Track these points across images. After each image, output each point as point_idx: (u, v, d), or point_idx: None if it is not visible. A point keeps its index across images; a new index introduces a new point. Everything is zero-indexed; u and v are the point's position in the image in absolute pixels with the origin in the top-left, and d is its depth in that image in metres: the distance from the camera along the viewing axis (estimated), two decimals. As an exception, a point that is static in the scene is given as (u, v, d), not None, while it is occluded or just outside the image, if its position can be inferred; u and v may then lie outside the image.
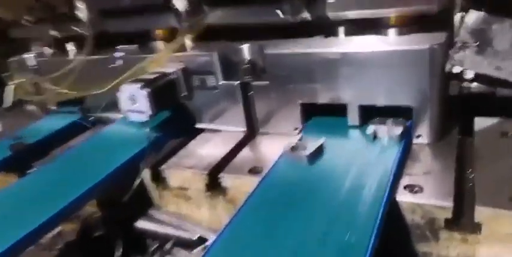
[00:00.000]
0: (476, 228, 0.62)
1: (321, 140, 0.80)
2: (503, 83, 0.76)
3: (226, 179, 0.82)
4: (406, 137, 0.79)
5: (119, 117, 1.16)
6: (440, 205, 0.63)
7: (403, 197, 0.66)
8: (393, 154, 0.74)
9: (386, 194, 0.63)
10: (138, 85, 0.91)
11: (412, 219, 0.65)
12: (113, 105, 1.16)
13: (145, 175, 0.90)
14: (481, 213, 0.61)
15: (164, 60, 1.01)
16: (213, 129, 1.02)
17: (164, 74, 0.98)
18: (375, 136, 0.81)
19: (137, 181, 0.89)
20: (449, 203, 0.63)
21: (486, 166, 0.71)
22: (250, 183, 0.78)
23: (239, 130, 0.99)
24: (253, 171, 0.81)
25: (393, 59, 0.77)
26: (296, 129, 0.92)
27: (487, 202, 0.62)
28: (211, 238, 0.84)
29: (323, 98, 0.87)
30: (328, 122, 0.91)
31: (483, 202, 0.62)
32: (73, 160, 0.96)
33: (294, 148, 0.79)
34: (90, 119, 1.21)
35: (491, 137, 0.80)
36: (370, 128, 0.81)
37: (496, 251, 0.62)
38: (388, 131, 0.79)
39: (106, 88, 1.02)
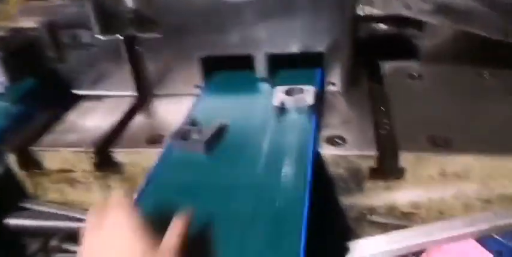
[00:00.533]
0: (399, 174, 0.59)
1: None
2: (412, 23, 0.73)
3: (119, 154, 0.67)
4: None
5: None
6: (364, 154, 0.58)
7: (326, 150, 0.59)
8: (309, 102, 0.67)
9: (310, 149, 0.56)
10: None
11: (336, 172, 0.60)
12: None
13: (11, 160, 0.71)
14: (404, 158, 0.58)
15: (16, 13, 0.79)
16: (95, 95, 0.85)
17: (20, 31, 0.77)
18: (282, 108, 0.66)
19: (2, 169, 0.69)
20: (372, 152, 0.58)
21: (400, 109, 0.68)
22: (150, 155, 0.65)
23: (128, 94, 0.83)
24: (152, 141, 0.68)
25: (303, 1, 0.68)
26: (197, 87, 0.80)
27: (409, 146, 0.59)
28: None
29: (225, 50, 0.75)
30: (233, 77, 0.81)
31: (405, 146, 0.59)
32: None
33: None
34: None
35: (400, 80, 0.77)
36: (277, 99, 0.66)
37: (419, 194, 0.60)
38: (296, 102, 0.65)
39: None
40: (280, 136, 0.61)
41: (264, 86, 0.76)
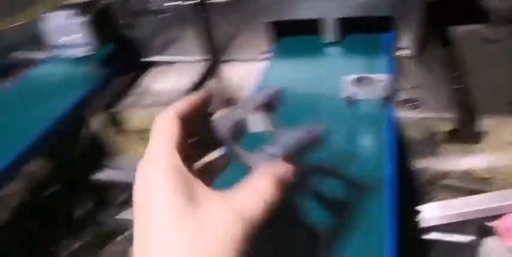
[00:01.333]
0: (477, 138, 0.59)
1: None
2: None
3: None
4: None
5: (42, 57, 0.97)
6: (442, 117, 0.59)
7: (403, 112, 0.60)
8: (382, 67, 0.67)
9: (387, 112, 0.57)
10: (72, 12, 0.73)
11: (411, 135, 0.61)
12: (34, 42, 0.97)
13: (97, 120, 0.76)
14: (483, 122, 0.58)
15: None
16: (165, 61, 0.88)
17: (95, -2, 0.81)
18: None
19: (88, 129, 0.75)
20: (450, 115, 0.59)
21: (476, 73, 0.67)
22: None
23: (197, 59, 0.86)
24: (228, 103, 0.71)
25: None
26: (264, 53, 0.82)
27: (488, 110, 0.58)
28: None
29: (293, 14, 0.76)
30: (300, 42, 0.81)
31: (483, 110, 0.59)
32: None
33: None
34: (7, 61, 1.00)
35: (474, 44, 0.75)
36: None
37: (496, 159, 0.60)
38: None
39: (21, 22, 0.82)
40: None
41: (333, 51, 0.77)
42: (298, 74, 0.72)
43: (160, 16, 0.83)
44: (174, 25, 0.84)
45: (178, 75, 0.82)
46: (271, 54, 0.80)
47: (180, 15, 0.82)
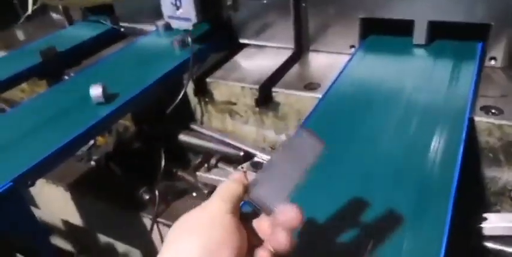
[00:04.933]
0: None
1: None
2: None
3: (278, 94, 0.77)
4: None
5: (152, 29, 1.09)
6: (523, 127, 0.59)
7: (481, 118, 0.61)
8: (469, 74, 0.68)
9: (466, 116, 0.59)
10: (184, -12, 0.82)
11: (486, 141, 0.62)
12: (146, 15, 1.09)
13: (189, 88, 0.85)
14: None
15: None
16: (257, 45, 0.95)
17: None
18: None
19: (180, 94, 0.84)
20: (531, 126, 0.59)
21: None
22: (306, 100, 0.74)
23: (286, 46, 0.92)
24: (309, 87, 0.76)
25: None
26: (352, 47, 0.86)
27: None
28: (255, 153, 0.82)
29: (387, 12, 0.79)
30: (388, 41, 0.84)
31: None
32: (107, 70, 0.90)
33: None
34: (120, 29, 1.13)
35: None
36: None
37: None
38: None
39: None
40: (435, 99, 0.64)
41: (420, 53, 0.79)
42: (381, 71, 0.75)
43: (261, 2, 0.90)
44: (273, 12, 0.90)
45: (266, 59, 0.89)
46: (358, 49, 0.84)
47: (280, 4, 0.88)
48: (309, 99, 0.73)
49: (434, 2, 0.74)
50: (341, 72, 0.75)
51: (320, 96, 0.71)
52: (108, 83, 0.74)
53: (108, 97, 0.72)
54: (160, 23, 1.03)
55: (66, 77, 0.95)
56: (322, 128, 0.61)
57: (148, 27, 1.08)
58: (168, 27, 1.03)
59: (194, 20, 0.85)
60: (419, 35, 0.78)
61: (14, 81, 0.92)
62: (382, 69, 0.76)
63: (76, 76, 0.91)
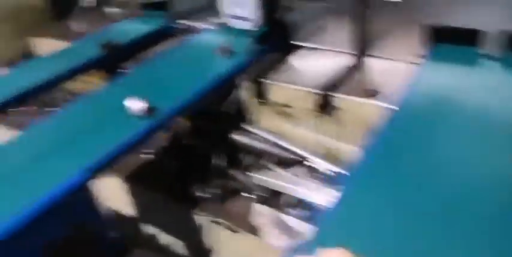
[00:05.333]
0: None
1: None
2: None
3: (340, 100, 0.76)
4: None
5: (206, 27, 1.09)
6: None
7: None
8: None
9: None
10: (248, -13, 0.82)
11: None
12: (201, 13, 1.10)
13: (245, 88, 0.85)
14: None
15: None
16: (312, 47, 0.94)
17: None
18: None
19: (237, 94, 0.84)
20: None
21: None
22: (368, 107, 0.73)
23: (343, 50, 0.90)
24: (371, 94, 0.75)
25: None
26: (417, 55, 0.83)
27: None
28: (310, 158, 0.81)
29: (457, 21, 0.76)
30: (457, 51, 0.81)
31: None
32: (165, 66, 0.91)
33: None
34: (176, 26, 1.14)
35: None
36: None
37: None
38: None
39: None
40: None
41: (491, 65, 0.75)
42: (453, 84, 0.72)
43: (321, 4, 0.89)
44: (332, 15, 0.89)
45: (323, 62, 0.88)
46: (427, 58, 0.81)
47: (341, 7, 0.86)
48: (372, 107, 0.72)
49: (509, 12, 0.71)
50: (412, 82, 0.73)
51: (383, 104, 0.70)
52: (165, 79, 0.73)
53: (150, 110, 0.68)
54: (215, 21, 1.04)
55: (122, 71, 0.97)
56: (398, 146, 0.58)
57: (202, 25, 1.09)
58: (223, 25, 1.04)
59: (255, 20, 0.85)
60: (492, 45, 0.75)
61: (74, 72, 0.95)
62: (455, 81, 0.73)
63: (132, 73, 0.91)
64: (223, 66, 0.84)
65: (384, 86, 0.77)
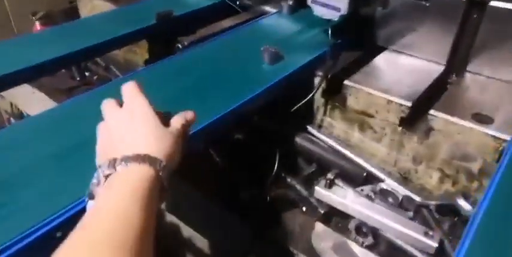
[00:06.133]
0: None
1: None
2: None
3: (438, 119, 0.65)
4: None
5: (270, 10, 0.98)
6: None
7: None
8: None
9: None
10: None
11: None
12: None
13: (321, 87, 0.74)
14: None
15: None
16: (403, 52, 0.82)
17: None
18: None
19: (314, 92, 0.73)
20: None
21: None
22: (473, 134, 0.62)
23: (436, 60, 0.78)
24: (478, 119, 0.63)
25: None
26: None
27: None
28: (384, 179, 0.71)
29: None
30: None
31: None
32: (224, 50, 0.79)
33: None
34: (237, 2, 1.02)
35: None
36: None
37: None
38: None
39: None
40: None
41: None
42: None
43: (421, 4, 0.77)
44: (431, 18, 0.76)
45: (411, 70, 0.76)
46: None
47: (443, 9, 0.74)
48: (478, 134, 0.61)
49: None
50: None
51: (496, 133, 0.59)
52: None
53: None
54: (287, 3, 0.92)
55: (178, 46, 0.85)
56: None
57: (268, 7, 0.98)
58: (294, 10, 0.93)
59: (344, 10, 0.73)
60: None
61: (123, 41, 0.84)
62: None
63: (186, 55, 0.79)
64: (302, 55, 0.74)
65: (497, 111, 0.65)
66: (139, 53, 0.98)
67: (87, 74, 0.95)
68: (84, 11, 1.07)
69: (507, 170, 0.47)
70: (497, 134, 0.60)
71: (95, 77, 0.95)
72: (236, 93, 0.63)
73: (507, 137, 0.58)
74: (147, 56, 0.93)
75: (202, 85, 0.65)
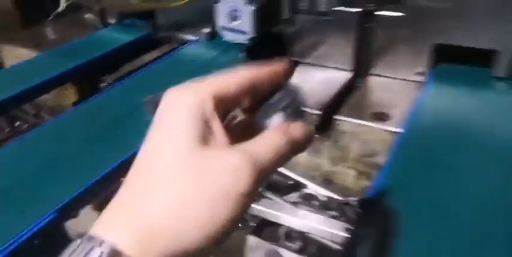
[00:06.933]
0: None
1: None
2: None
3: (344, 122, 0.70)
4: None
5: (190, 38, 1.03)
6: None
7: None
8: None
9: None
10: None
11: None
12: (188, 24, 1.03)
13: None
14: None
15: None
16: (308, 63, 0.88)
17: (267, -10, 0.83)
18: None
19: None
20: None
21: None
22: (375, 132, 0.67)
23: (343, 67, 0.85)
24: (378, 117, 0.69)
25: None
26: (419, 74, 0.78)
27: None
28: (307, 184, 0.74)
29: (466, 40, 0.72)
30: (462, 71, 0.77)
31: None
32: (148, 81, 0.83)
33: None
34: (159, 36, 1.06)
35: None
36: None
37: None
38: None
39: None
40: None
41: (501, 87, 0.71)
42: (460, 107, 0.67)
43: (322, 18, 0.83)
44: (333, 30, 0.83)
45: (320, 80, 0.82)
46: (431, 78, 0.76)
47: (343, 22, 0.81)
48: (379, 131, 0.66)
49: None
50: (416, 105, 0.67)
51: (393, 129, 0.64)
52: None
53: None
54: (204, 31, 0.97)
55: (103, 85, 0.89)
56: (406, 167, 0.54)
57: (187, 36, 1.02)
58: (213, 36, 0.98)
59: (251, 33, 0.79)
60: (502, 67, 0.71)
61: (46, 87, 0.86)
62: (463, 104, 0.68)
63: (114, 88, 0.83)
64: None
65: (392, 108, 0.71)
66: (68, 95, 1.00)
67: (17, 123, 0.96)
68: (9, 61, 1.08)
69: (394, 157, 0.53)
70: (394, 129, 0.65)
71: (25, 126, 0.96)
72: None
73: (402, 130, 0.64)
74: (75, 98, 0.96)
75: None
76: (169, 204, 0.21)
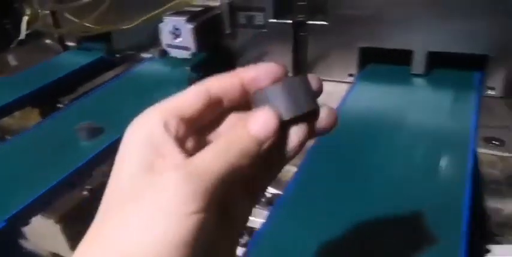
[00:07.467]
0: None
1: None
2: None
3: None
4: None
5: (146, 56, 1.09)
6: (525, 159, 0.59)
7: (484, 149, 0.61)
8: (469, 104, 0.69)
9: (471, 147, 0.58)
10: (183, 18, 0.83)
11: (489, 173, 0.61)
12: (142, 43, 1.09)
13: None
14: None
15: (208, -7, 0.92)
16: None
17: (209, 8, 0.90)
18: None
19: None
20: (535, 158, 0.59)
21: None
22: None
23: (289, 74, 0.91)
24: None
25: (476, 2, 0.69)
26: (350, 75, 0.86)
27: None
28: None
29: (386, 42, 0.80)
30: (387, 70, 0.85)
31: None
32: (106, 99, 0.89)
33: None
34: (115, 56, 1.12)
35: None
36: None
37: None
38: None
39: (140, 20, 0.93)
40: (436, 129, 0.64)
41: (418, 83, 0.79)
42: (381, 102, 0.75)
43: (260, 31, 0.91)
44: (271, 40, 0.91)
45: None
46: (357, 78, 0.84)
47: (278, 32, 0.89)
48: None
49: (433, 33, 0.75)
50: (342, 102, 0.75)
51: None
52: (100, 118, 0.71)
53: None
54: (156, 50, 1.03)
55: (60, 106, 0.94)
56: (326, 159, 0.61)
57: (143, 55, 1.09)
58: (164, 54, 1.04)
59: (193, 49, 0.85)
60: (418, 64, 0.79)
61: (6, 110, 0.90)
62: (382, 99, 0.76)
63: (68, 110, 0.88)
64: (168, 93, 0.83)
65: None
66: (32, 117, 1.04)
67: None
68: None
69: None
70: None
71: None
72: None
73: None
74: (39, 120, 1.00)
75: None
76: (120, 233, 0.21)
